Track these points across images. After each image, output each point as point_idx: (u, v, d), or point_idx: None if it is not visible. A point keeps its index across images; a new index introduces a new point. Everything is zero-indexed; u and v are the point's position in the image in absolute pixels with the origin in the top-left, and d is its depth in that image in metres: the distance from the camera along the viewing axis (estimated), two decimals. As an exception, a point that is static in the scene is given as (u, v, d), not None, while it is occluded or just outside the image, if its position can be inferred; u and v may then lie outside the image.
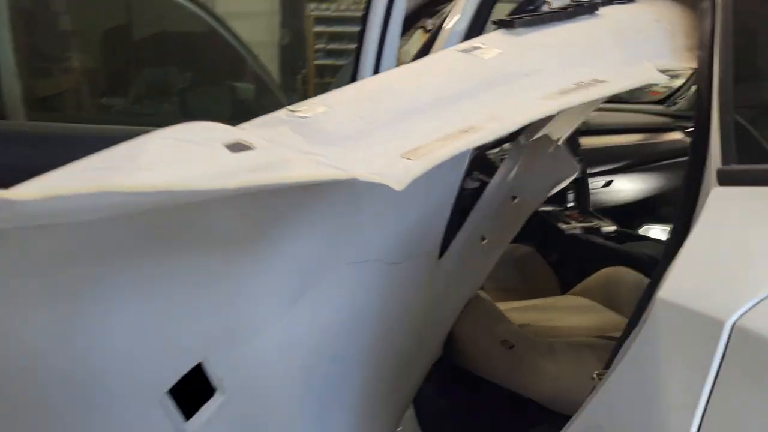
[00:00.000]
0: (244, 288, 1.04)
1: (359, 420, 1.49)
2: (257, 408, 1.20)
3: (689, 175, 0.77)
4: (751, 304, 0.56)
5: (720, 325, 0.57)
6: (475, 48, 0.85)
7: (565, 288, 2.22)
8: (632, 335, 0.72)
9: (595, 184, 2.58)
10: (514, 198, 1.91)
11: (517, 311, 1.92)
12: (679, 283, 0.65)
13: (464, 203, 1.82)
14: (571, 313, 1.91)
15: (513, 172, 1.84)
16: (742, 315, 0.56)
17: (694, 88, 2.86)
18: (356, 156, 0.60)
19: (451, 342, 1.74)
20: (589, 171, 2.52)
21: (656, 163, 2.60)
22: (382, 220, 1.26)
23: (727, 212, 0.67)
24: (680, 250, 0.68)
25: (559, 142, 2.00)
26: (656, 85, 2.73)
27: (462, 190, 1.81)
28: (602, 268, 2.06)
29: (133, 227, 0.77)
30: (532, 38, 0.87)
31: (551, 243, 2.37)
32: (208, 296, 0.97)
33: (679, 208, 0.77)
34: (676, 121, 2.76)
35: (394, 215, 1.30)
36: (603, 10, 0.89)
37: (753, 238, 0.63)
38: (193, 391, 1.12)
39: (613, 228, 2.35)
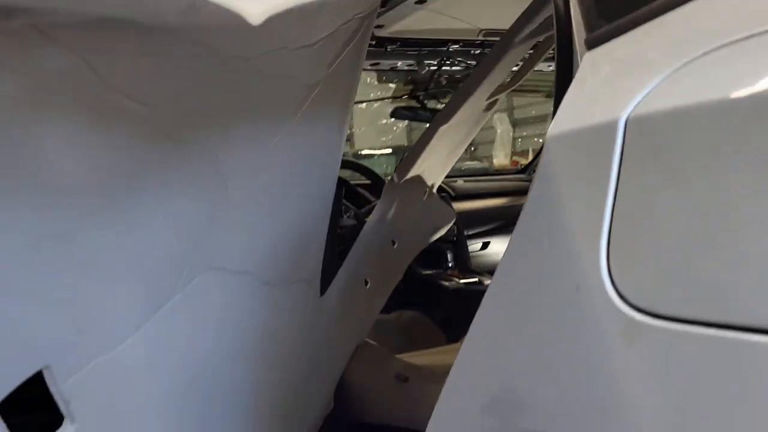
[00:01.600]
0: (94, 274, 0.88)
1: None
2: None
3: (561, 62, 0.76)
4: (639, 97, 0.53)
5: (614, 125, 0.53)
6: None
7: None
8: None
9: (473, 247, 2.61)
10: (393, 243, 1.87)
11: (410, 358, 1.81)
12: (563, 118, 0.61)
13: (343, 243, 1.75)
14: (464, 353, 1.82)
15: (390, 213, 1.81)
16: (634, 108, 0.53)
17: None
18: None
19: (341, 390, 1.59)
20: (465, 233, 2.55)
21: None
22: (252, 225, 1.16)
23: (599, 61, 0.66)
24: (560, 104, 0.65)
25: (433, 189, 2.02)
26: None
27: (339, 228, 1.76)
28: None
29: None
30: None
31: (436, 302, 2.32)
32: (49, 272, 0.81)
33: (556, 88, 0.75)
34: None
35: (265, 223, 1.20)
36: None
37: (626, 61, 0.61)
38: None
39: (494, 282, 2.35)
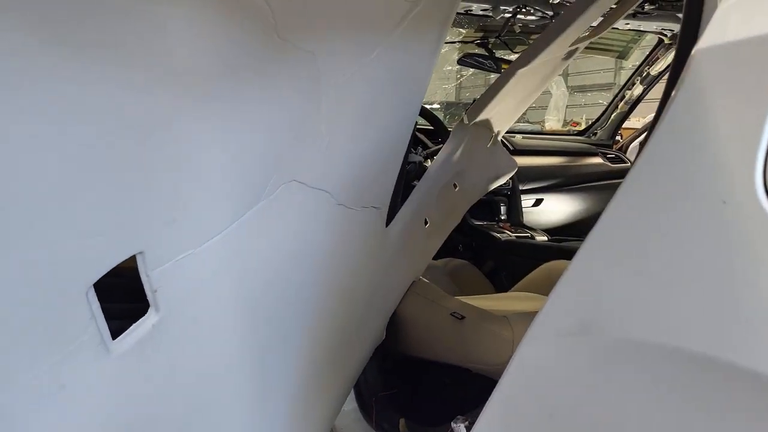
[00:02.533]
0: (191, 165, 0.89)
1: (299, 397, 1.31)
2: (192, 341, 1.02)
3: None
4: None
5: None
6: None
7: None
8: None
9: (526, 203, 2.59)
10: (455, 186, 1.86)
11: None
12: (716, 33, 0.59)
13: (408, 179, 1.75)
14: (516, 301, 1.82)
15: (456, 155, 1.80)
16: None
17: (612, 118, 3.00)
18: None
19: (394, 324, 1.61)
20: (520, 188, 2.52)
21: (582, 184, 2.65)
22: (335, 144, 1.16)
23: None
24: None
25: (499, 137, 1.99)
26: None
27: (407, 163, 1.75)
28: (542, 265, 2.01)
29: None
30: None
31: (485, 253, 2.31)
32: (150, 156, 0.82)
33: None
34: (597, 148, 2.86)
35: (347, 143, 1.20)
36: None
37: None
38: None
39: (545, 238, 2.34)
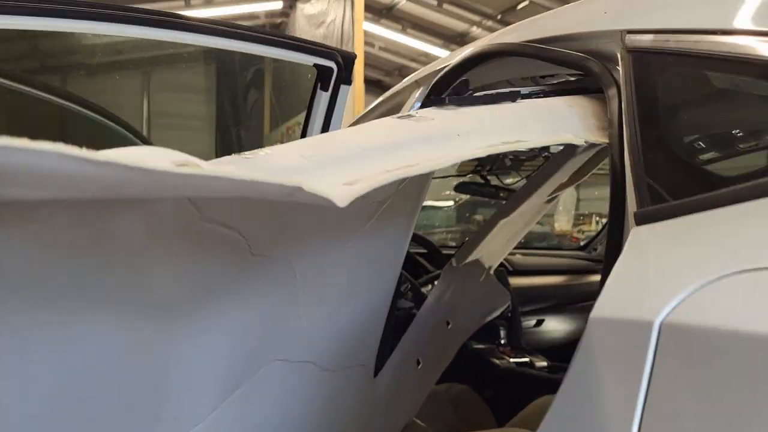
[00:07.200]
0: (176, 372, 0.99)
1: None
2: None
3: (612, 225, 0.83)
4: (675, 302, 0.59)
5: (649, 326, 0.59)
6: (410, 116, 0.92)
7: (501, 423, 2.17)
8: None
9: (527, 323, 2.63)
10: (448, 323, 1.93)
11: (455, 441, 1.85)
12: (607, 301, 0.67)
13: (398, 324, 1.83)
14: (509, 440, 1.85)
15: (447, 295, 1.88)
16: (668, 313, 0.59)
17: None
18: (299, 179, 0.61)
19: (387, 470, 1.65)
20: (520, 309, 2.58)
21: (583, 303, 2.70)
22: (316, 321, 1.25)
23: (645, 242, 0.72)
24: (607, 279, 0.71)
25: (491, 271, 2.07)
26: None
27: (396, 309, 1.83)
28: (537, 399, 2.04)
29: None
30: (462, 111, 0.96)
31: (486, 379, 2.35)
32: (133, 365, 0.91)
33: (606, 252, 0.82)
34: (597, 265, 2.92)
35: (329, 318, 1.29)
36: (521, 100, 1.00)
37: (669, 255, 0.67)
38: None
39: (545, 363, 2.37)
